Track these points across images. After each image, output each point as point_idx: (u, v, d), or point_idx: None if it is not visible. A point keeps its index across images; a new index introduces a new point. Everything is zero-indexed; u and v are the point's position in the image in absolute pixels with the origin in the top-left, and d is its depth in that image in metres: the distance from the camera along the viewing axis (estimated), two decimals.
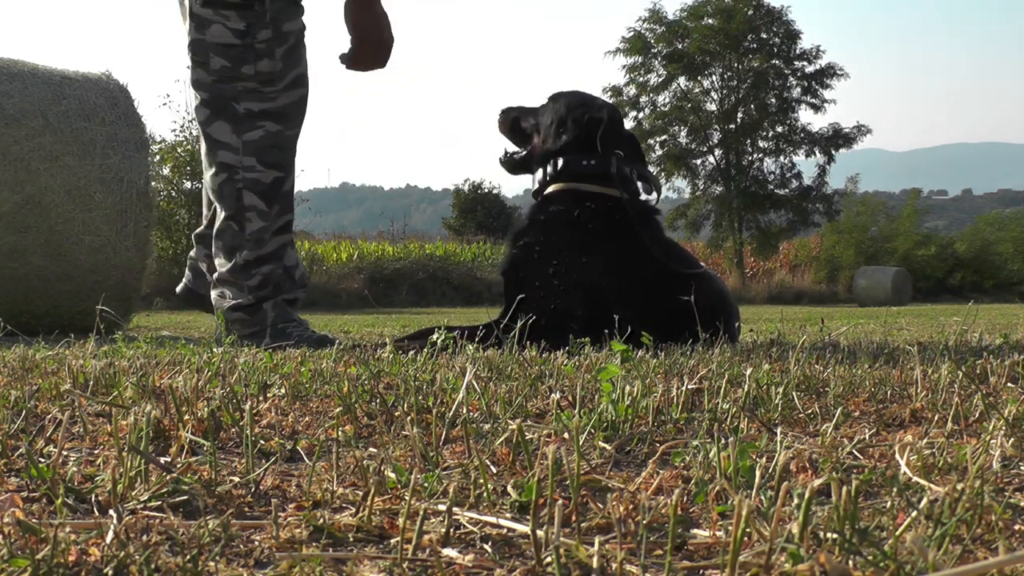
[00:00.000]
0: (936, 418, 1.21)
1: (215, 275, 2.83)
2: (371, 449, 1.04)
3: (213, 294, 2.86)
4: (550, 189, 2.63)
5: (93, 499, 0.78)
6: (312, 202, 24.78)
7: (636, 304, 2.43)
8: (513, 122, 2.83)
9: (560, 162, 2.62)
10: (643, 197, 2.63)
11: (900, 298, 20.57)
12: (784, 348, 2.22)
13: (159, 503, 0.77)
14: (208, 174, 2.78)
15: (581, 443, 0.88)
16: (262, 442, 1.06)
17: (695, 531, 0.72)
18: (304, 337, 2.67)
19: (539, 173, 2.69)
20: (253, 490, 0.84)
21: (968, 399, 1.29)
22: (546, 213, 2.58)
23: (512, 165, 2.84)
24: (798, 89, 29.60)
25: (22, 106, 4.82)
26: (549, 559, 0.63)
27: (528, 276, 2.50)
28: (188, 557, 0.61)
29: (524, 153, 2.80)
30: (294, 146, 2.76)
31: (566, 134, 2.64)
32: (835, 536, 0.61)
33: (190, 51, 2.70)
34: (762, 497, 0.72)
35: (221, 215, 2.76)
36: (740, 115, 29.37)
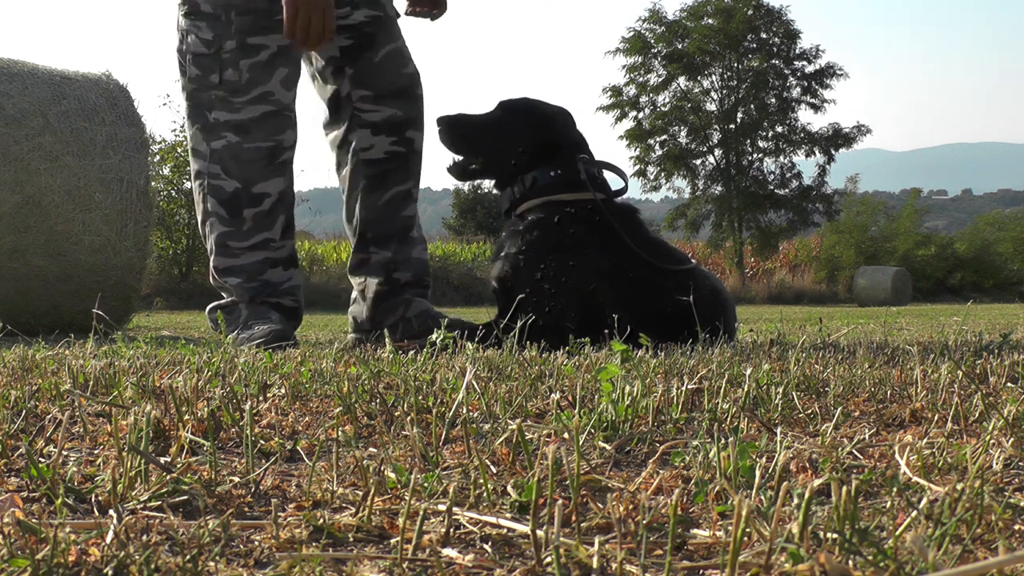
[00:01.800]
0: (936, 418, 1.21)
1: None
2: (371, 449, 1.04)
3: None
4: (524, 207, 2.57)
5: (93, 499, 0.78)
6: (312, 202, 24.78)
7: (630, 304, 2.42)
8: (458, 136, 2.71)
9: (528, 180, 2.56)
10: (618, 197, 2.60)
11: (900, 298, 20.56)
12: (784, 348, 2.22)
13: (159, 503, 0.77)
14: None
15: (581, 443, 0.88)
16: (262, 442, 1.06)
17: (695, 531, 0.72)
18: (265, 332, 2.65)
19: (507, 192, 2.62)
20: (253, 490, 0.84)
21: (968, 399, 1.29)
22: (524, 223, 2.54)
23: (463, 174, 2.75)
24: (798, 89, 29.61)
25: (22, 106, 4.82)
26: (549, 559, 0.63)
27: (518, 285, 2.47)
28: (188, 557, 0.61)
29: (477, 167, 2.71)
30: (259, 161, 2.73)
31: (522, 146, 2.59)
32: (835, 536, 0.61)
33: (176, 59, 2.82)
34: (762, 497, 0.72)
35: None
36: (740, 115, 29.37)
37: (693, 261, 2.65)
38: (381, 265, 2.98)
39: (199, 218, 2.83)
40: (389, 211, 2.96)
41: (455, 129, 2.71)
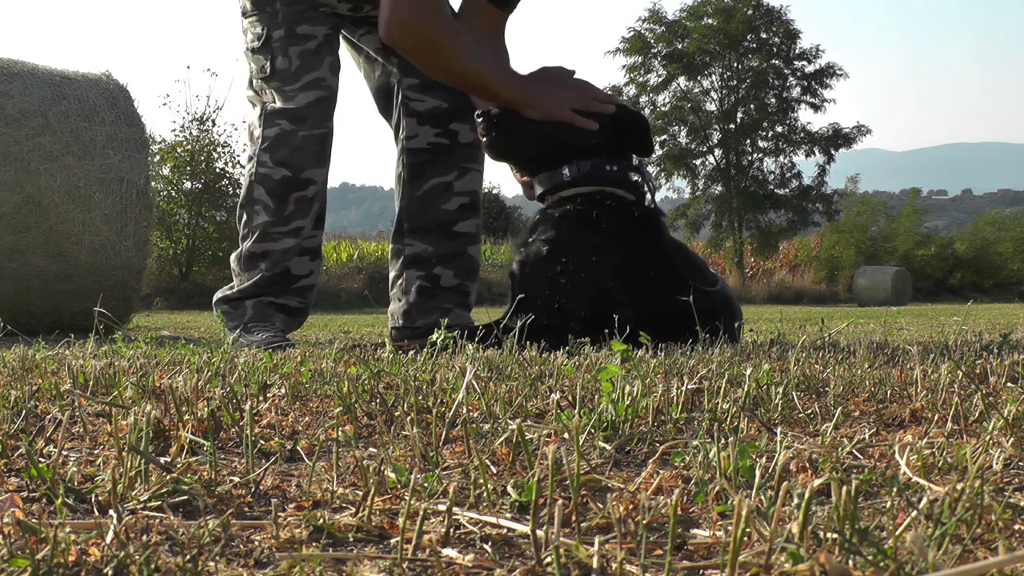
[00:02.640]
0: (936, 418, 1.21)
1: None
2: (371, 449, 1.04)
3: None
4: (568, 192, 2.48)
5: (93, 499, 0.78)
6: None
7: (641, 307, 2.39)
8: (517, 142, 2.52)
9: (583, 167, 2.47)
10: (648, 201, 2.58)
11: (900, 298, 20.57)
12: (784, 348, 2.22)
13: (159, 503, 0.77)
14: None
15: (581, 443, 0.88)
16: (262, 442, 1.06)
17: (695, 531, 0.72)
18: (265, 340, 2.63)
19: (546, 175, 2.51)
20: (253, 490, 0.84)
21: (968, 399, 1.29)
22: (561, 211, 2.47)
23: (500, 143, 2.52)
24: (798, 89, 29.64)
25: (22, 106, 4.82)
26: (549, 559, 0.63)
27: (534, 274, 2.45)
28: (188, 557, 0.61)
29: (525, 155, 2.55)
30: (311, 147, 2.74)
31: (596, 136, 2.48)
32: (835, 536, 0.61)
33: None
34: (762, 497, 0.72)
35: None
36: (740, 115, 29.39)
37: (719, 279, 2.59)
38: (422, 260, 2.95)
39: (240, 199, 2.86)
40: (425, 202, 2.93)
41: (513, 132, 2.51)
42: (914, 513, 0.67)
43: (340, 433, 1.08)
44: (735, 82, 29.47)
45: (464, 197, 2.95)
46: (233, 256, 2.90)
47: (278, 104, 2.75)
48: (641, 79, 29.43)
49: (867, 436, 1.08)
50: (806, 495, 0.60)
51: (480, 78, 2.51)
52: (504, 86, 2.50)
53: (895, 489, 0.75)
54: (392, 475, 0.85)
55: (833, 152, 29.51)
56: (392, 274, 3.05)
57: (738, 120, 29.35)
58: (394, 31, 2.49)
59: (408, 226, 2.96)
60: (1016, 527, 0.72)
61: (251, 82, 2.84)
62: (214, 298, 2.93)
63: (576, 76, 2.56)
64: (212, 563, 0.62)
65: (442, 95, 2.90)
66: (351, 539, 0.70)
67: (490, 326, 2.45)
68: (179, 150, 16.09)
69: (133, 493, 0.79)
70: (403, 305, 2.98)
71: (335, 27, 2.84)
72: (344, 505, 0.79)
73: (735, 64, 29.44)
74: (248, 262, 2.81)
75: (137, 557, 0.60)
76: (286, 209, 2.75)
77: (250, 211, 2.80)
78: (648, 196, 2.56)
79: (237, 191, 16.40)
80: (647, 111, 29.52)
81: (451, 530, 0.70)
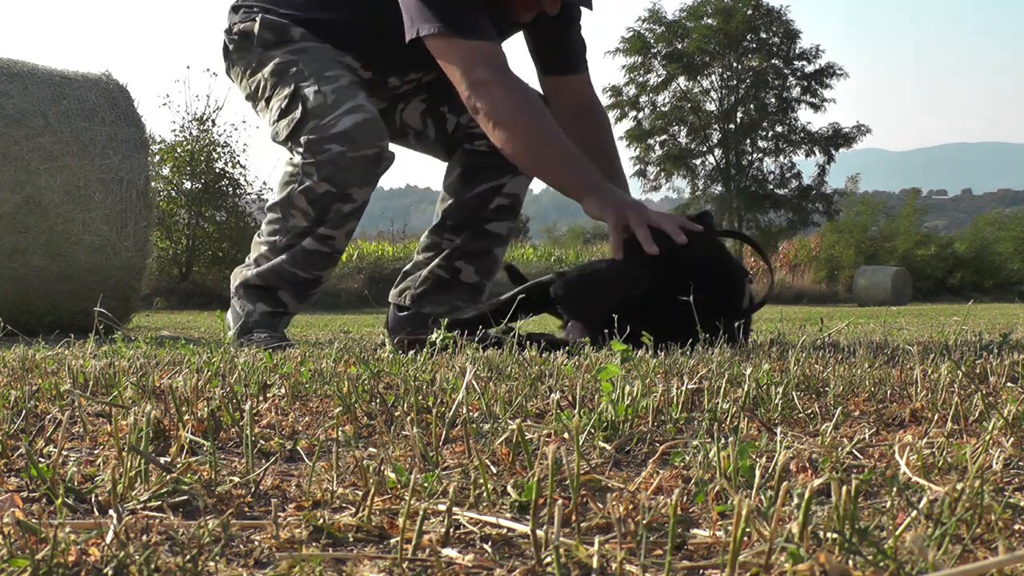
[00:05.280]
0: (936, 418, 1.21)
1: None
2: (371, 449, 1.04)
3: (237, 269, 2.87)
4: None
5: (93, 499, 0.78)
6: None
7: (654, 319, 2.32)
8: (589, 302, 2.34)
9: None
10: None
11: (900, 298, 20.58)
12: (784, 348, 2.22)
13: (159, 503, 0.77)
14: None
15: (581, 443, 0.89)
16: (262, 442, 1.06)
17: (695, 531, 0.72)
18: (264, 340, 2.59)
19: None
20: (253, 490, 0.84)
21: (968, 399, 1.29)
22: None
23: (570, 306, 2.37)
24: (798, 89, 29.66)
25: (22, 106, 4.83)
26: (549, 559, 0.63)
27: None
28: (188, 557, 0.61)
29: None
30: (361, 168, 2.58)
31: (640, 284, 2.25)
32: (835, 536, 0.61)
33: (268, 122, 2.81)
34: (762, 497, 0.72)
35: (274, 197, 2.77)
36: (740, 115, 29.40)
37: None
38: (447, 252, 2.93)
39: (276, 198, 2.73)
40: (473, 203, 2.90)
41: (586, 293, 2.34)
42: (914, 513, 0.67)
43: (340, 433, 1.08)
44: (735, 82, 29.48)
45: (505, 199, 2.91)
46: (261, 240, 2.77)
47: (319, 133, 2.57)
48: (641, 79, 29.43)
49: (867, 436, 1.08)
50: (806, 495, 0.60)
51: (557, 153, 2.48)
52: (581, 174, 2.47)
53: (895, 489, 0.75)
54: (392, 475, 0.85)
55: (833, 152, 29.53)
56: (417, 258, 3.02)
57: (738, 120, 29.36)
58: (486, 91, 2.46)
59: (452, 223, 2.92)
60: (1016, 527, 0.72)
61: (282, 137, 2.69)
62: (236, 281, 2.82)
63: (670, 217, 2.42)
64: (212, 563, 0.62)
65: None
66: (351, 539, 0.70)
67: (476, 321, 2.43)
68: (179, 150, 16.09)
69: (133, 493, 0.79)
70: (417, 289, 2.96)
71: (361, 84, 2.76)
72: (344, 505, 0.79)
73: (735, 64, 29.45)
74: (273, 253, 2.73)
75: (137, 557, 0.60)
76: (324, 217, 2.65)
77: (286, 213, 2.69)
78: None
79: (237, 191, 16.45)
80: (647, 111, 29.55)
81: (451, 530, 0.70)
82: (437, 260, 2.94)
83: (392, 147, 2.67)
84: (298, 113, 2.61)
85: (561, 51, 2.91)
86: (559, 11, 2.70)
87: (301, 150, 2.60)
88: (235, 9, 2.86)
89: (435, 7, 2.49)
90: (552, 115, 2.61)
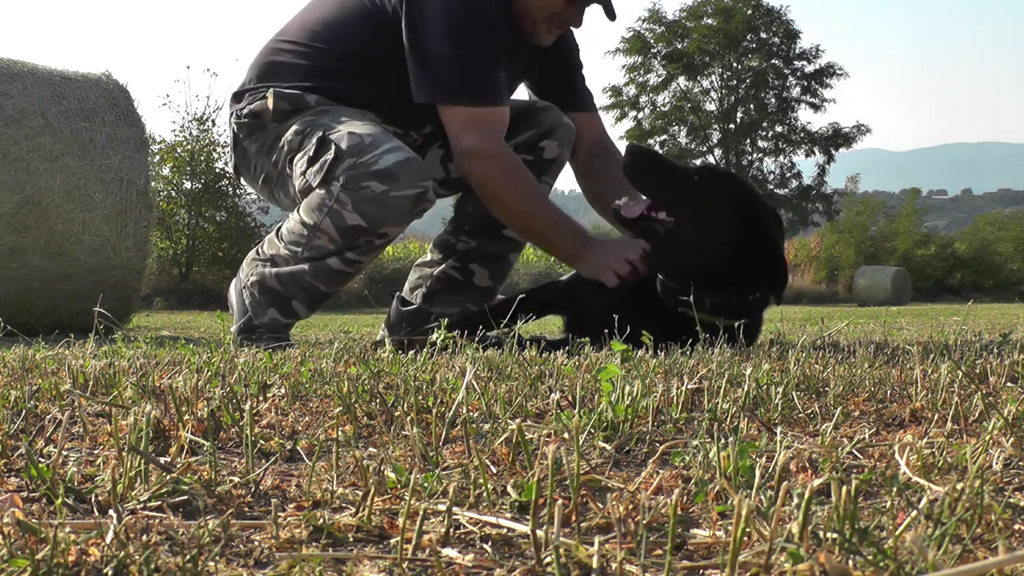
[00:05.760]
0: (936, 418, 1.21)
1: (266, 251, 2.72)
2: (371, 449, 1.04)
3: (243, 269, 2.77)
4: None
5: (93, 499, 0.78)
6: None
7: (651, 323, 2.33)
8: (647, 171, 2.42)
9: (704, 301, 2.25)
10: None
11: (900, 298, 20.58)
12: (784, 348, 2.22)
13: (159, 503, 0.77)
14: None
15: (581, 443, 0.89)
16: (262, 442, 1.06)
17: (695, 531, 0.72)
18: (265, 341, 2.57)
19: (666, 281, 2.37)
20: (253, 490, 0.84)
21: (968, 399, 1.29)
22: None
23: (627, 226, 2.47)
24: (797, 89, 29.67)
25: (22, 106, 4.83)
26: (549, 559, 0.63)
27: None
28: (188, 557, 0.61)
29: (661, 229, 2.38)
30: (401, 208, 2.45)
31: (724, 265, 2.27)
32: (835, 536, 0.61)
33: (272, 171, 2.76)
34: (762, 497, 0.72)
35: (295, 216, 2.64)
36: (740, 115, 29.41)
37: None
38: (463, 253, 2.93)
39: (304, 215, 2.57)
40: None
41: (646, 160, 2.46)
42: (914, 513, 0.67)
43: (340, 433, 1.08)
44: (735, 82, 29.49)
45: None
46: (278, 244, 2.67)
47: (356, 171, 2.43)
48: (641, 79, 29.44)
49: (867, 436, 1.08)
50: (806, 495, 0.60)
51: (542, 227, 2.64)
52: (568, 243, 2.61)
53: (895, 489, 0.75)
54: (392, 475, 0.85)
55: (833, 152, 29.53)
56: (430, 257, 3.01)
57: (738, 120, 29.36)
58: (471, 163, 2.56)
59: (469, 227, 2.92)
60: (1016, 527, 0.72)
61: (316, 182, 2.53)
62: (252, 275, 2.71)
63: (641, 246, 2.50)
64: (212, 563, 0.62)
65: (533, 122, 2.87)
66: (351, 539, 0.70)
67: (472, 323, 2.43)
68: (179, 150, 16.09)
69: (133, 493, 0.79)
70: (428, 288, 2.95)
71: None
72: (344, 505, 0.79)
73: (735, 64, 29.46)
74: (294, 260, 2.63)
75: (137, 557, 0.60)
76: (353, 244, 2.53)
77: (312, 234, 2.55)
78: None
79: (237, 191, 16.44)
80: (647, 111, 29.54)
81: (451, 530, 0.70)
82: (451, 261, 2.94)
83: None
84: (331, 154, 2.47)
85: (570, 87, 2.95)
86: (560, 54, 2.80)
87: (337, 184, 2.46)
88: (237, 97, 2.78)
89: (433, 72, 2.53)
90: (580, 158, 2.81)
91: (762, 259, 2.32)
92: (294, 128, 2.61)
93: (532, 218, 2.63)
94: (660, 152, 2.52)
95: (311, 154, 2.54)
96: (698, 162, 29.47)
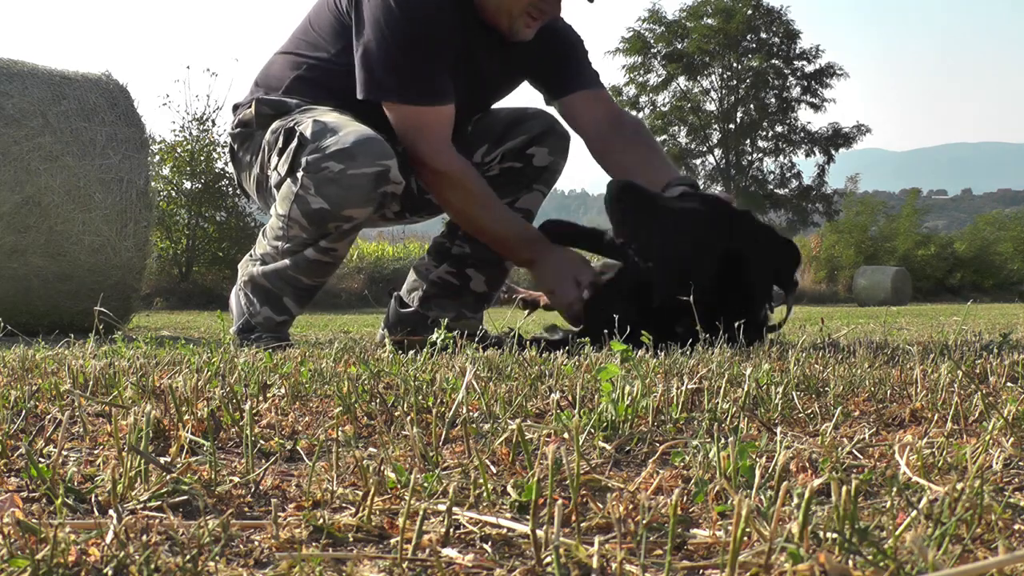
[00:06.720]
0: (936, 418, 1.21)
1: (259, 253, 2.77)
2: (371, 449, 1.04)
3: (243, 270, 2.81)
4: None
5: (93, 499, 0.78)
6: None
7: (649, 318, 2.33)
8: (627, 208, 2.39)
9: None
10: None
11: (900, 298, 20.58)
12: (784, 348, 2.22)
13: (159, 503, 0.77)
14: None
15: (581, 443, 0.88)
16: (262, 442, 1.06)
17: (695, 531, 0.72)
18: (264, 340, 2.58)
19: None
20: (253, 490, 0.84)
21: (968, 399, 1.29)
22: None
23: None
24: (798, 89, 29.68)
25: (22, 106, 4.82)
26: (549, 559, 0.63)
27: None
28: (188, 557, 0.61)
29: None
30: (362, 188, 2.42)
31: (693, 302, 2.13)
32: (835, 536, 0.61)
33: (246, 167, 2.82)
34: (762, 497, 0.72)
35: (273, 210, 2.70)
36: (740, 115, 29.42)
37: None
38: (459, 258, 2.92)
39: (279, 208, 2.60)
40: None
41: (627, 195, 2.41)
42: (914, 513, 0.67)
43: (340, 433, 1.08)
44: (735, 82, 29.49)
45: (519, 212, 2.89)
46: (264, 243, 2.71)
47: (316, 155, 2.44)
48: (641, 79, 29.44)
49: (867, 436, 1.08)
50: (806, 495, 0.60)
51: (492, 234, 2.66)
52: (521, 248, 2.65)
53: (895, 489, 0.75)
54: (392, 475, 0.85)
55: (833, 152, 29.55)
56: (426, 260, 3.01)
57: (738, 120, 29.37)
58: (418, 169, 2.59)
59: (463, 231, 2.89)
60: (1016, 527, 0.72)
61: (284, 171, 2.57)
62: (244, 274, 2.76)
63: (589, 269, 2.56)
64: (212, 563, 0.62)
65: (513, 134, 2.87)
66: (351, 539, 0.70)
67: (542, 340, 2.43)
68: (179, 150, 16.08)
69: (133, 493, 0.79)
70: (424, 292, 2.95)
71: None
72: (344, 505, 0.79)
73: (735, 64, 29.46)
74: (278, 255, 2.67)
75: (137, 557, 0.60)
76: (324, 233, 2.55)
77: (287, 224, 2.58)
78: None
79: (237, 192, 16.44)
80: (647, 111, 29.54)
81: (451, 530, 0.70)
82: (446, 265, 2.94)
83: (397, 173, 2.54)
84: (295, 142, 2.50)
85: (571, 66, 2.91)
86: (557, 50, 2.80)
87: (300, 172, 2.49)
88: (233, 109, 2.86)
89: (373, 69, 2.54)
90: (591, 137, 2.78)
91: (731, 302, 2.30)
92: (271, 128, 2.67)
93: (478, 223, 2.66)
94: (640, 186, 2.46)
95: (279, 146, 2.60)
96: (698, 162, 29.48)
